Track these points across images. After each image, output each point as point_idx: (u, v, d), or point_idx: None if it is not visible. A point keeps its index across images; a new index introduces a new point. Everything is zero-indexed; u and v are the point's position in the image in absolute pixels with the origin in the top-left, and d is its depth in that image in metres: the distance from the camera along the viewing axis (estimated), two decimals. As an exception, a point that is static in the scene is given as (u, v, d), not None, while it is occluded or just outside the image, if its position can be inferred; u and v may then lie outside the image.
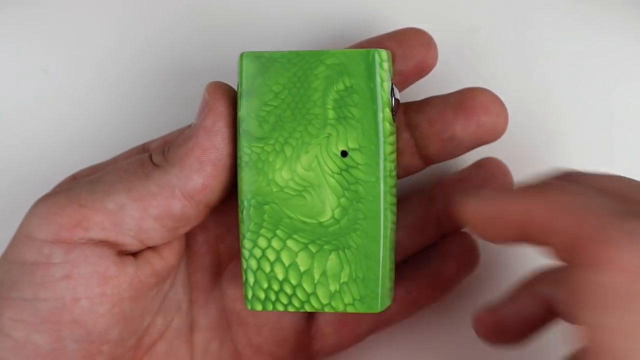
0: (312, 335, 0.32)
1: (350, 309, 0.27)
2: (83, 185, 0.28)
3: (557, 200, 0.24)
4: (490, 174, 0.31)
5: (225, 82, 0.29)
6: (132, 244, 0.28)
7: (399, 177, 0.30)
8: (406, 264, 0.32)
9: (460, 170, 0.32)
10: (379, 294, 0.27)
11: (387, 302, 0.28)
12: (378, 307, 0.27)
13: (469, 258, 0.32)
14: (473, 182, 0.32)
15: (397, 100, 0.28)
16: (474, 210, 0.26)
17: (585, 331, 0.22)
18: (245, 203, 0.27)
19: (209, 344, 0.31)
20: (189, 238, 0.31)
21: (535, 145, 0.34)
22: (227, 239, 0.32)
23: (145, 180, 0.27)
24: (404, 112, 0.30)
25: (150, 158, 0.28)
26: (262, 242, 0.28)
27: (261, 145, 0.27)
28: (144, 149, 0.31)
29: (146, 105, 0.35)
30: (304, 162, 0.27)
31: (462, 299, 0.33)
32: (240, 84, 0.28)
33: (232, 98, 0.28)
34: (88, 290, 0.27)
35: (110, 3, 0.35)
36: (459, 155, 0.30)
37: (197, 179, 0.27)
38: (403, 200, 0.32)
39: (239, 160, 0.28)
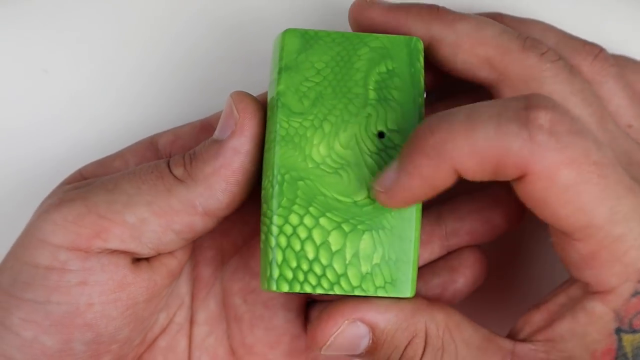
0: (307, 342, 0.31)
1: (380, 292, 0.27)
2: (99, 192, 0.27)
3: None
4: (499, 197, 0.32)
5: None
6: (149, 254, 0.28)
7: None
8: None
9: (471, 193, 0.32)
10: (411, 278, 0.27)
11: (414, 291, 0.27)
12: (409, 291, 0.27)
13: (477, 272, 0.31)
14: (483, 204, 0.32)
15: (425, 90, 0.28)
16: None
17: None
18: (279, 178, 0.27)
19: (206, 339, 0.30)
20: None
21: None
22: (232, 234, 0.31)
23: (167, 195, 0.27)
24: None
25: (169, 169, 0.27)
26: (294, 219, 0.27)
27: (300, 120, 0.27)
28: (151, 142, 0.31)
29: (148, 105, 0.34)
30: (342, 139, 0.27)
31: (464, 302, 0.33)
32: (280, 59, 0.27)
33: (261, 115, 0.27)
34: (103, 296, 0.27)
35: (111, 2, 0.34)
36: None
37: (222, 198, 0.27)
38: None
39: (273, 135, 0.27)
